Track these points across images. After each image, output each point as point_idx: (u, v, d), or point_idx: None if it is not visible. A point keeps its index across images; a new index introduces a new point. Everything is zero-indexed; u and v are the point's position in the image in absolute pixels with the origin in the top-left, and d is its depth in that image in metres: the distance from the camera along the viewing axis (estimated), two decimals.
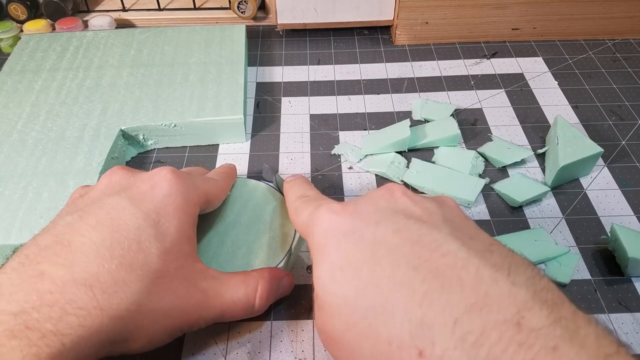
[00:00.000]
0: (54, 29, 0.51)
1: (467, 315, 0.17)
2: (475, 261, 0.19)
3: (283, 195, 0.30)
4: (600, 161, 0.38)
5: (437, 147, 0.39)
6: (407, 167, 0.37)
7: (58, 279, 0.20)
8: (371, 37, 0.52)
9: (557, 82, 0.46)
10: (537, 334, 0.16)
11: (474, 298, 0.18)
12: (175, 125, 0.38)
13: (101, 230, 0.22)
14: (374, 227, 0.21)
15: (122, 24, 0.53)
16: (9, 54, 0.46)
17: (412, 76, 0.47)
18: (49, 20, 0.51)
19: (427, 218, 0.22)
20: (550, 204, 0.35)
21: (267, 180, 0.34)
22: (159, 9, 0.53)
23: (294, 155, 0.39)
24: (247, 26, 0.49)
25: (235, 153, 0.39)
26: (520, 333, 0.16)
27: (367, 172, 0.38)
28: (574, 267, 0.31)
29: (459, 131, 0.38)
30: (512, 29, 0.50)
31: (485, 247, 0.20)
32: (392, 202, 0.23)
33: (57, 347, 0.19)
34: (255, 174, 0.38)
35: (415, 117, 0.42)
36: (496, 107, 0.43)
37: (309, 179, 0.37)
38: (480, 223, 0.34)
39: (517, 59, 0.48)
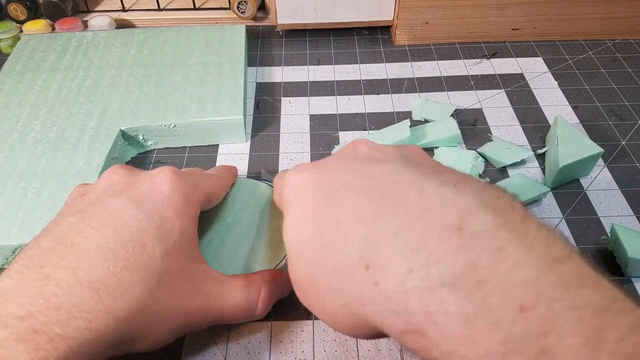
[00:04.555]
0: (53, 29, 0.51)
1: (408, 225, 0.17)
2: (421, 178, 0.19)
3: None
4: (600, 161, 0.38)
5: (437, 147, 0.39)
6: None
7: (63, 282, 0.20)
8: (371, 37, 0.52)
9: (557, 82, 0.46)
10: (480, 236, 0.16)
11: (417, 210, 0.18)
12: (175, 126, 0.38)
13: (104, 232, 0.22)
14: (333, 173, 0.22)
15: (121, 24, 0.53)
16: (8, 54, 0.46)
17: (412, 76, 0.47)
18: (48, 20, 0.51)
19: (384, 158, 0.22)
20: (550, 204, 0.35)
21: (266, 180, 0.34)
22: (159, 9, 0.53)
23: (294, 155, 0.39)
24: (247, 26, 0.49)
25: (235, 153, 0.39)
26: (462, 237, 0.16)
27: None
28: None
29: (459, 131, 0.38)
30: (512, 29, 0.50)
31: (436, 170, 0.20)
32: (354, 151, 0.24)
33: (64, 351, 0.19)
34: (255, 174, 0.38)
35: (415, 117, 0.42)
36: (496, 107, 0.43)
37: None
38: None
39: (517, 59, 0.48)
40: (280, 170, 0.38)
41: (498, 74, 0.47)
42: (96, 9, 0.54)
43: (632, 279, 0.31)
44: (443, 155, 0.38)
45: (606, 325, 0.14)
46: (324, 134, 0.41)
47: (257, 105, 0.44)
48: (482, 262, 0.15)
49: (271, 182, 0.34)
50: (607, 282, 0.15)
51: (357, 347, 0.27)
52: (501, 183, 0.36)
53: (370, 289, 0.18)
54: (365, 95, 0.45)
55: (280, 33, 0.53)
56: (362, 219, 0.19)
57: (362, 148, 0.24)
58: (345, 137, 0.41)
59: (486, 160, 0.38)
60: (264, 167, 0.38)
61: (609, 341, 0.13)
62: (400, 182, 0.19)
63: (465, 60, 0.48)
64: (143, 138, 0.39)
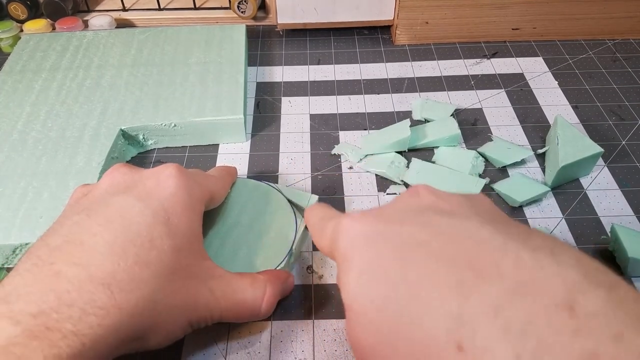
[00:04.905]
0: (54, 28, 0.51)
1: (509, 303, 0.15)
2: (513, 246, 0.17)
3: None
4: (600, 161, 0.38)
5: (437, 147, 0.39)
6: (407, 167, 0.37)
7: (74, 279, 0.20)
8: (371, 37, 0.52)
9: (557, 82, 0.46)
10: (596, 319, 0.14)
11: (516, 284, 0.15)
12: (175, 125, 0.38)
13: (112, 229, 0.22)
14: (399, 226, 0.20)
15: (122, 24, 0.53)
16: (9, 54, 0.46)
17: (412, 76, 0.47)
18: (49, 20, 0.51)
19: (456, 210, 0.20)
20: (550, 204, 0.35)
21: (269, 180, 0.34)
22: (159, 9, 0.53)
23: (294, 155, 0.39)
24: (247, 26, 0.49)
25: (235, 153, 0.39)
26: (575, 319, 0.14)
27: (367, 172, 0.38)
28: None
29: (459, 131, 0.38)
30: (512, 29, 0.50)
31: (521, 231, 0.18)
32: (417, 200, 0.22)
33: (77, 347, 0.18)
34: (255, 174, 0.38)
35: (415, 117, 0.42)
36: (496, 107, 0.43)
37: (309, 179, 0.37)
38: None
39: (517, 59, 0.48)
40: (280, 170, 0.38)
41: (498, 74, 0.47)
42: (96, 8, 0.54)
43: (632, 279, 0.31)
44: (443, 155, 0.38)
45: None
46: (324, 134, 0.41)
47: (257, 105, 0.44)
48: (602, 351, 0.13)
49: (270, 182, 0.34)
50: None
51: None
52: (501, 183, 0.36)
53: None
54: (366, 95, 0.45)
55: (281, 33, 0.53)
56: (449, 290, 0.16)
57: (427, 196, 0.21)
58: (346, 136, 0.41)
59: (486, 160, 0.38)
60: (264, 168, 0.38)
61: None
62: (486, 246, 0.17)
63: (465, 60, 0.48)
64: (143, 137, 0.39)
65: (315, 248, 0.32)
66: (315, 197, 0.32)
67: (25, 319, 0.18)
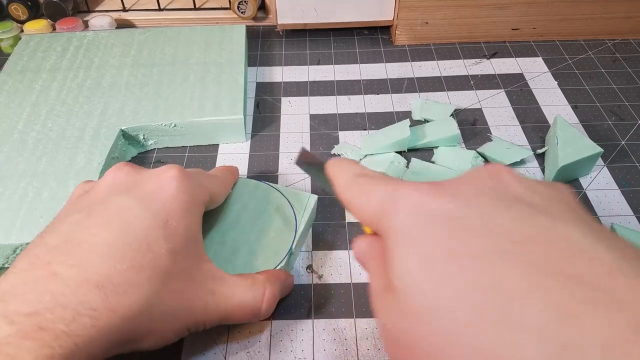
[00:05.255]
0: (54, 29, 0.51)
1: (628, 339, 0.13)
2: (626, 266, 0.14)
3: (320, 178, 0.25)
4: (600, 161, 0.38)
5: (436, 147, 0.39)
6: (407, 167, 0.37)
7: (70, 280, 0.20)
8: (371, 37, 0.52)
9: (556, 82, 0.46)
10: None
11: (631, 312, 0.13)
12: (175, 125, 0.38)
13: (111, 230, 0.22)
14: (483, 214, 0.17)
15: (122, 24, 0.53)
16: (9, 54, 0.46)
17: (412, 76, 0.47)
18: (49, 20, 0.51)
19: (548, 207, 0.17)
20: None
21: (269, 180, 0.34)
22: (159, 9, 0.53)
23: (294, 155, 0.39)
24: (247, 26, 0.49)
25: (235, 153, 0.40)
26: None
27: None
28: None
29: (458, 131, 0.38)
30: (512, 29, 0.50)
31: (627, 246, 0.16)
32: (500, 185, 0.19)
33: (69, 348, 0.19)
34: (255, 174, 0.38)
35: (415, 117, 0.42)
36: (496, 107, 0.43)
37: (309, 179, 0.37)
38: None
39: (517, 59, 0.48)
40: (280, 170, 0.38)
41: (498, 74, 0.47)
42: (97, 9, 0.54)
43: None
44: (443, 155, 0.38)
45: None
46: (324, 134, 0.41)
47: (257, 105, 0.44)
48: None
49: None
50: None
51: (356, 346, 0.28)
52: None
53: None
54: (365, 95, 0.45)
55: (281, 33, 0.53)
56: (550, 308, 0.14)
57: (513, 184, 0.18)
58: (345, 136, 0.41)
59: (486, 160, 0.38)
60: (264, 168, 0.38)
61: None
62: (599, 267, 0.15)
63: (465, 60, 0.48)
64: (143, 138, 0.39)
65: (315, 248, 0.32)
66: (315, 197, 0.32)
67: (19, 319, 0.19)
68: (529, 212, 0.17)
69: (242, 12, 0.52)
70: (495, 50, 0.49)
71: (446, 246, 0.17)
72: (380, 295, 0.19)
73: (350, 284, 0.30)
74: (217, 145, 0.40)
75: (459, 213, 0.17)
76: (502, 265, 0.15)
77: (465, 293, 0.15)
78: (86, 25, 0.51)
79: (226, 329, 0.28)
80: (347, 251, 0.32)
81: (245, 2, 0.52)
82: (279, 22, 0.50)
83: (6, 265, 0.31)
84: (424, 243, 0.17)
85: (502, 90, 0.45)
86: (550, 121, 0.42)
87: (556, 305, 0.14)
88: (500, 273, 0.15)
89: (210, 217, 0.30)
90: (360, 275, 0.31)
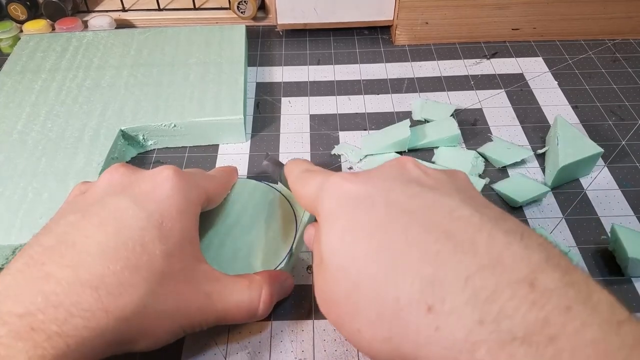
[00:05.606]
0: (53, 29, 0.51)
1: (479, 274, 0.17)
2: (489, 226, 0.19)
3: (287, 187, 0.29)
4: (600, 161, 0.38)
5: (437, 147, 0.39)
6: None
7: (63, 280, 0.20)
8: (371, 37, 0.52)
9: (557, 82, 0.46)
10: (551, 294, 0.16)
11: (487, 259, 0.17)
12: (175, 126, 0.38)
13: (105, 231, 0.22)
14: (387, 193, 0.21)
15: (121, 24, 0.53)
16: (8, 54, 0.46)
17: (412, 76, 0.47)
18: (48, 20, 0.51)
19: (439, 186, 0.21)
20: (550, 204, 0.35)
21: (269, 180, 0.34)
22: (159, 9, 0.53)
23: (294, 155, 0.39)
24: (247, 26, 0.49)
25: (235, 153, 0.39)
26: (534, 292, 0.16)
27: None
28: None
29: (458, 131, 0.38)
30: (512, 29, 0.50)
31: (497, 214, 0.20)
32: (404, 172, 0.23)
33: (62, 349, 0.19)
34: (255, 175, 0.38)
35: (415, 117, 0.42)
36: (496, 107, 0.43)
37: None
38: None
39: (517, 59, 0.48)
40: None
41: (498, 74, 0.47)
42: (96, 9, 0.54)
43: (632, 279, 0.31)
44: (443, 155, 0.38)
45: None
46: (324, 134, 0.41)
47: (257, 105, 0.44)
48: (553, 320, 0.16)
49: (275, 178, 0.34)
50: None
51: None
52: (501, 183, 0.36)
53: (430, 333, 0.17)
54: (365, 95, 0.45)
55: (280, 33, 0.53)
56: (427, 257, 0.18)
57: (414, 170, 0.23)
58: (346, 136, 0.41)
59: (486, 160, 0.38)
60: (264, 168, 0.38)
61: None
62: (466, 224, 0.19)
63: (465, 60, 0.48)
64: (143, 138, 0.39)
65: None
66: None
67: (11, 320, 0.19)
68: (420, 189, 0.21)
69: (242, 12, 0.52)
70: (496, 50, 0.49)
71: (356, 220, 0.21)
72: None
73: None
74: (217, 145, 0.40)
75: (368, 193, 0.21)
76: (394, 228, 0.20)
77: (367, 253, 0.20)
78: (86, 25, 0.51)
79: (226, 329, 0.28)
80: None
81: (245, 2, 0.51)
82: (278, 22, 0.50)
83: (5, 266, 0.31)
84: (341, 219, 0.21)
85: (503, 90, 0.45)
86: (551, 121, 0.42)
87: (429, 253, 0.18)
88: (391, 234, 0.19)
89: (210, 217, 0.30)
90: None
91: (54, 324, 0.19)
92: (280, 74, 0.47)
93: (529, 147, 0.39)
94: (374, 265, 0.19)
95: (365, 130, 0.41)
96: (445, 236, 0.19)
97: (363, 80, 0.46)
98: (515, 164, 0.37)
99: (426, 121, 0.42)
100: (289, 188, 0.28)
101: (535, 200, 0.35)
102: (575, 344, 0.15)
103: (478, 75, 0.47)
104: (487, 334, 0.16)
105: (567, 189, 0.36)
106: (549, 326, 0.16)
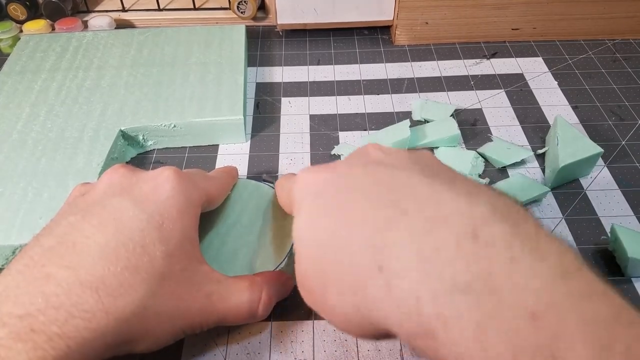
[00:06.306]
0: (53, 29, 0.51)
1: (424, 232, 0.18)
2: (438, 188, 0.19)
3: None
4: (600, 161, 0.38)
5: (437, 147, 0.39)
6: None
7: (63, 281, 0.20)
8: (371, 37, 0.52)
9: (557, 82, 0.46)
10: (495, 246, 0.16)
11: (432, 217, 0.18)
12: (175, 126, 0.38)
13: (105, 232, 0.22)
14: (345, 176, 0.22)
15: (121, 24, 0.53)
16: (8, 55, 0.46)
17: (412, 76, 0.47)
18: (48, 20, 0.51)
19: (397, 163, 0.22)
20: (550, 204, 0.35)
21: (268, 182, 0.34)
22: (159, 9, 0.53)
23: (294, 155, 0.39)
24: (247, 26, 0.49)
25: (235, 153, 0.39)
26: (477, 245, 0.16)
27: None
28: None
29: (458, 131, 0.38)
30: (512, 29, 0.50)
31: (449, 177, 0.20)
32: (365, 155, 0.23)
33: (62, 350, 0.19)
34: (255, 175, 0.38)
35: (415, 117, 0.42)
36: (496, 107, 0.43)
37: None
38: None
39: (517, 59, 0.48)
40: (280, 170, 0.38)
41: (498, 74, 0.47)
42: (96, 9, 0.54)
43: (632, 279, 0.31)
44: (443, 155, 0.38)
45: (615, 335, 0.14)
46: (324, 134, 0.41)
47: (257, 106, 0.44)
48: (496, 270, 0.16)
49: (272, 183, 0.34)
50: (615, 294, 0.15)
51: (357, 347, 0.27)
52: (501, 183, 0.36)
53: (383, 292, 0.18)
54: (365, 95, 0.45)
55: (280, 33, 0.53)
56: (376, 224, 0.19)
57: (375, 152, 0.23)
58: (346, 137, 0.41)
59: (486, 160, 0.38)
60: (264, 168, 0.38)
61: (617, 352, 0.14)
62: (414, 189, 0.19)
63: (465, 60, 0.48)
64: (143, 138, 0.39)
65: None
66: None
67: (11, 321, 0.19)
68: (377, 167, 0.22)
69: (241, 12, 0.52)
70: (495, 50, 0.49)
71: (318, 205, 0.22)
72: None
73: None
74: (217, 145, 0.40)
75: (329, 179, 0.22)
76: (350, 206, 0.20)
77: (327, 233, 0.20)
78: (85, 25, 0.51)
79: (226, 330, 0.28)
80: None
81: (245, 2, 0.51)
82: (278, 22, 0.50)
83: (5, 266, 0.31)
84: (306, 207, 0.22)
85: (502, 90, 0.45)
86: (551, 121, 0.42)
87: (377, 221, 0.19)
88: (347, 211, 0.20)
89: (210, 218, 0.30)
90: None
91: (55, 325, 0.19)
92: (280, 74, 0.47)
93: (529, 147, 0.39)
94: (333, 242, 0.20)
95: (365, 130, 0.41)
96: (394, 203, 0.19)
97: (363, 80, 0.46)
98: (515, 164, 0.37)
99: (426, 121, 0.42)
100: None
101: (535, 200, 0.35)
102: (518, 294, 0.15)
103: (478, 75, 0.47)
104: (431, 286, 0.16)
105: (567, 189, 0.36)
106: (491, 277, 0.16)
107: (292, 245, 0.29)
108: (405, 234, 0.18)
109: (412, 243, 0.18)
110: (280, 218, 0.31)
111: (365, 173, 0.21)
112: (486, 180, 0.36)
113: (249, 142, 0.40)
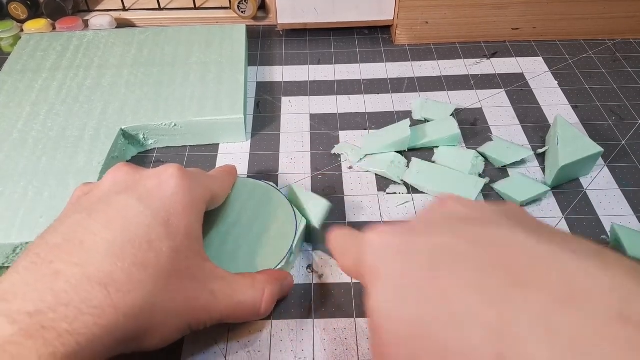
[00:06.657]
0: (54, 28, 0.51)
1: (553, 310, 0.14)
2: (555, 250, 0.16)
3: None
4: (600, 161, 0.38)
5: (437, 146, 0.39)
6: (407, 166, 0.37)
7: (72, 278, 0.20)
8: (371, 37, 0.52)
9: (557, 82, 0.46)
10: None
11: (562, 292, 0.14)
12: (175, 125, 0.38)
13: (112, 229, 0.22)
14: (428, 237, 0.19)
15: (122, 24, 0.53)
16: (9, 54, 0.46)
17: (412, 76, 0.47)
18: (49, 19, 0.51)
19: (485, 218, 0.19)
20: (550, 203, 0.35)
21: (269, 179, 0.34)
22: (159, 9, 0.53)
23: (294, 155, 0.39)
24: (247, 26, 0.49)
25: (235, 153, 0.39)
26: (631, 330, 0.13)
27: (367, 171, 0.38)
28: None
29: (458, 131, 0.38)
30: (512, 29, 0.50)
31: (559, 236, 0.17)
32: (444, 210, 0.21)
33: (72, 347, 0.19)
34: (255, 174, 0.38)
35: (415, 116, 0.42)
36: (496, 107, 0.43)
37: (309, 178, 0.37)
38: None
39: (517, 58, 0.48)
40: (280, 170, 0.38)
41: (498, 74, 0.47)
42: (97, 8, 0.54)
43: None
44: (443, 155, 0.38)
45: None
46: (324, 134, 0.41)
47: (257, 105, 0.44)
48: None
49: (272, 184, 0.34)
50: None
51: (357, 346, 0.28)
52: (501, 183, 0.36)
53: None
54: (366, 95, 0.45)
55: (281, 33, 0.53)
56: (486, 298, 0.15)
57: (454, 205, 0.21)
58: (346, 136, 0.41)
59: (486, 159, 0.38)
60: (264, 167, 0.38)
61: None
62: (523, 251, 0.16)
63: (465, 60, 0.48)
64: (143, 137, 0.39)
65: (315, 247, 0.32)
66: (324, 202, 0.32)
67: (21, 318, 0.19)
68: (465, 226, 0.19)
69: (242, 12, 0.52)
70: (496, 50, 0.49)
71: (401, 273, 0.19)
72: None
73: (350, 283, 0.30)
74: (217, 145, 0.40)
75: (408, 241, 0.19)
76: (442, 274, 0.17)
77: (419, 308, 0.17)
78: (86, 24, 0.51)
79: (226, 329, 0.28)
80: None
81: (245, 1, 0.51)
82: (279, 22, 0.50)
83: (6, 265, 0.31)
84: (384, 275, 0.19)
85: (503, 90, 0.45)
86: (551, 121, 0.42)
87: (487, 294, 0.16)
88: (441, 281, 0.17)
89: (211, 216, 0.30)
90: None
91: (65, 322, 0.19)
92: (281, 73, 0.47)
93: (529, 146, 0.39)
94: (428, 320, 0.17)
95: (365, 129, 0.41)
96: (503, 271, 0.16)
97: (363, 79, 0.46)
98: (515, 164, 0.37)
99: (426, 121, 0.42)
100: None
101: (535, 200, 0.35)
102: None
103: (478, 75, 0.47)
104: None
105: (567, 188, 0.36)
106: None
107: (292, 244, 0.29)
108: (530, 313, 0.14)
109: (539, 325, 0.14)
110: (280, 217, 0.31)
111: (453, 232, 0.18)
112: (486, 180, 0.36)
113: (249, 141, 0.40)
